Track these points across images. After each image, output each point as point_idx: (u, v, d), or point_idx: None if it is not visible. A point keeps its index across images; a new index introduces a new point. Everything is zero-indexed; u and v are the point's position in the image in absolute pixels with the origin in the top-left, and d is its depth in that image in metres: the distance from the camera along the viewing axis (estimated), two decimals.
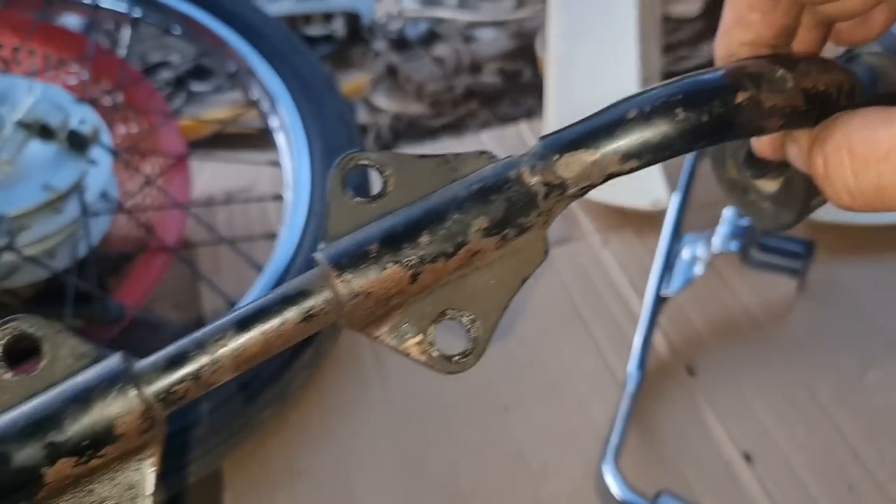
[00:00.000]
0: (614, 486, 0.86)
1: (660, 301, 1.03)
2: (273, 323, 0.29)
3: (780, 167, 0.43)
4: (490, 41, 1.67)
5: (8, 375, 0.29)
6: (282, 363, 0.93)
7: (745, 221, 1.04)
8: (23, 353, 0.30)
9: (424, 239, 0.30)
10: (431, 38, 1.70)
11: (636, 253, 1.17)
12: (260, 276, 0.96)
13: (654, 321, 1.02)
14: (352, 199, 0.32)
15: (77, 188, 0.98)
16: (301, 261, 0.96)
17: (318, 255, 0.30)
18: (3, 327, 0.29)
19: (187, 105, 1.55)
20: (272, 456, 0.97)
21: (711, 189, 1.19)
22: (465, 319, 0.31)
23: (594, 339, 1.08)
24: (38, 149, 0.97)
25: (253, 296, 0.94)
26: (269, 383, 0.92)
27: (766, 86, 0.31)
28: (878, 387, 1.00)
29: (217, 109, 1.50)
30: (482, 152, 0.32)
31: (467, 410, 1.01)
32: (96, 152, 1.01)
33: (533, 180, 0.30)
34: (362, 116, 1.53)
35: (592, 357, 1.06)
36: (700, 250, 1.04)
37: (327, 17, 1.70)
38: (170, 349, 0.29)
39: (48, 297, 0.98)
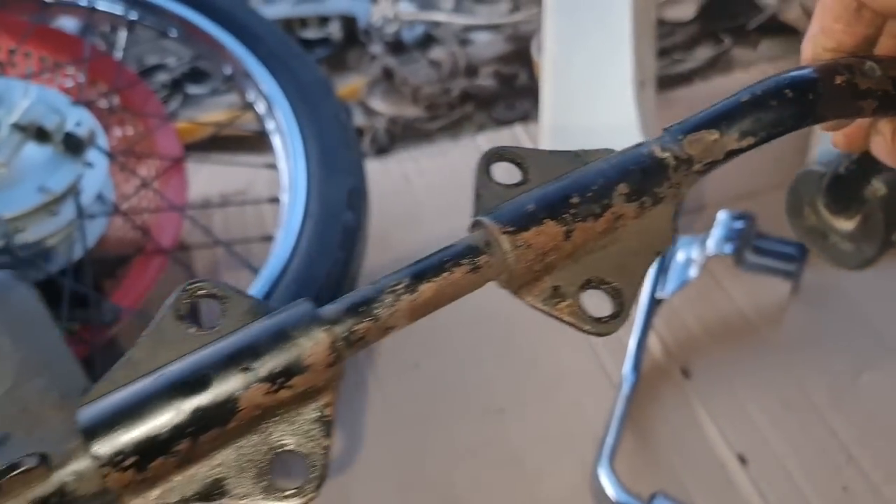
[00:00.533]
0: (609, 488, 0.87)
1: (655, 303, 1.03)
2: (444, 273, 0.32)
3: (857, 203, 0.46)
4: (486, 44, 1.67)
5: (192, 330, 0.31)
6: None
7: (739, 224, 1.04)
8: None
9: (575, 200, 0.34)
10: (427, 41, 1.70)
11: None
12: (256, 279, 0.96)
13: (648, 323, 1.02)
14: (497, 184, 0.35)
15: (73, 190, 0.98)
16: (297, 263, 0.96)
17: (482, 218, 0.33)
18: (189, 288, 0.32)
19: (183, 108, 1.55)
20: None
21: (706, 192, 1.20)
22: (609, 286, 0.35)
23: (589, 342, 1.08)
24: (33, 151, 0.97)
25: None
26: None
27: (859, 72, 0.36)
28: (872, 389, 1.00)
29: (213, 112, 1.50)
30: (608, 150, 0.37)
31: (463, 413, 1.01)
32: (92, 155, 1.01)
33: (664, 155, 0.35)
34: (358, 119, 1.53)
35: (588, 359, 1.06)
36: (695, 253, 1.04)
37: (323, 20, 1.70)
38: (351, 295, 0.32)
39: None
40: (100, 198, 1.05)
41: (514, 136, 1.44)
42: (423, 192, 1.34)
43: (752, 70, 1.54)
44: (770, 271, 1.08)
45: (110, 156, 1.05)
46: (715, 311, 1.10)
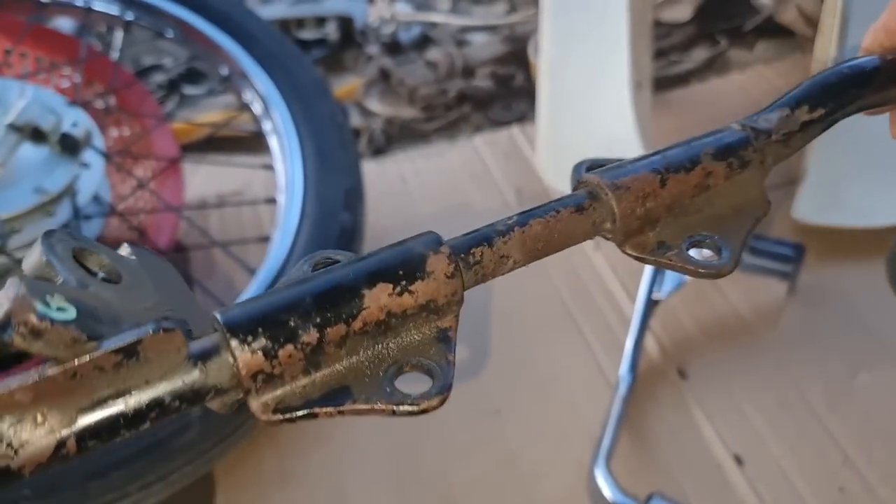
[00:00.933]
0: (606, 489, 0.87)
1: (651, 304, 1.03)
2: (550, 212, 0.35)
3: None
4: (483, 45, 1.67)
5: None
6: None
7: None
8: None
9: (667, 159, 0.37)
10: (424, 42, 1.70)
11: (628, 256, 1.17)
12: (253, 280, 0.96)
13: (645, 324, 1.02)
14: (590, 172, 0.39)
15: (69, 191, 0.98)
16: (294, 264, 0.96)
17: (582, 176, 0.37)
18: (314, 255, 0.35)
19: (180, 108, 1.55)
20: (265, 460, 0.97)
21: None
22: (713, 241, 0.37)
23: (586, 342, 1.08)
24: (29, 152, 0.97)
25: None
26: None
27: None
28: (867, 389, 1.00)
29: (210, 113, 1.50)
30: None
31: (459, 413, 1.01)
32: (89, 155, 1.01)
33: (743, 128, 0.39)
34: (355, 120, 1.53)
35: (584, 360, 1.06)
36: None
37: (320, 21, 1.70)
38: (469, 232, 0.35)
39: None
40: (96, 198, 1.05)
41: (511, 136, 1.44)
42: (420, 193, 1.34)
43: (749, 71, 1.54)
44: (766, 272, 1.08)
45: (107, 156, 1.04)
46: (711, 312, 1.10)
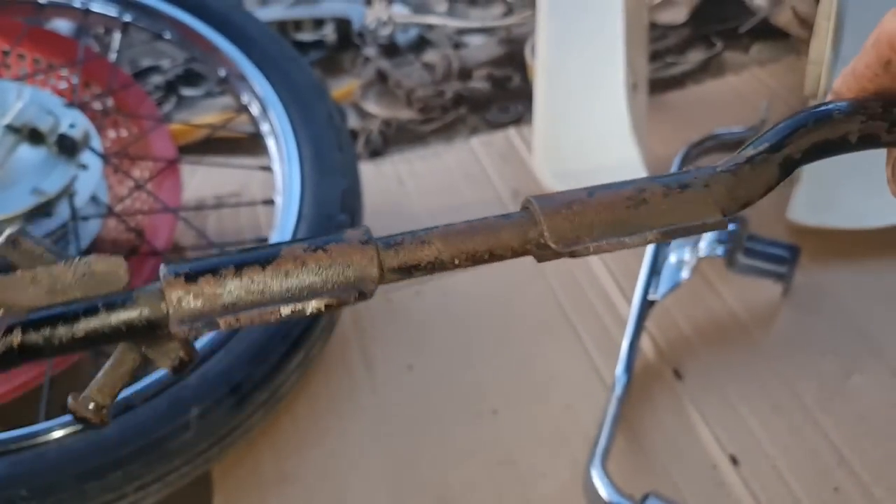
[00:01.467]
0: (602, 489, 0.87)
1: (647, 305, 1.03)
2: (479, 219, 0.37)
3: None
4: (479, 47, 1.68)
5: None
6: (272, 366, 0.93)
7: (730, 226, 1.05)
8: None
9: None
10: (421, 43, 1.71)
11: (623, 257, 1.18)
12: None
13: (641, 325, 1.03)
14: None
15: (67, 192, 0.98)
16: None
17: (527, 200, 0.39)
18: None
19: (178, 109, 1.55)
20: (262, 461, 0.97)
21: None
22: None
23: (582, 343, 1.09)
24: (27, 153, 0.98)
25: None
26: (258, 387, 0.92)
27: (882, 110, 0.41)
28: (861, 390, 1.01)
29: (207, 114, 1.50)
30: None
31: (456, 414, 1.02)
32: (86, 156, 1.01)
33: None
34: (353, 121, 1.54)
35: (580, 360, 1.07)
36: (686, 255, 1.05)
37: (318, 22, 1.70)
38: None
39: None
40: (94, 199, 1.05)
41: (508, 138, 1.45)
42: (417, 194, 1.34)
43: (744, 73, 1.55)
44: (761, 273, 1.09)
45: (104, 157, 1.05)
46: (707, 313, 1.11)
